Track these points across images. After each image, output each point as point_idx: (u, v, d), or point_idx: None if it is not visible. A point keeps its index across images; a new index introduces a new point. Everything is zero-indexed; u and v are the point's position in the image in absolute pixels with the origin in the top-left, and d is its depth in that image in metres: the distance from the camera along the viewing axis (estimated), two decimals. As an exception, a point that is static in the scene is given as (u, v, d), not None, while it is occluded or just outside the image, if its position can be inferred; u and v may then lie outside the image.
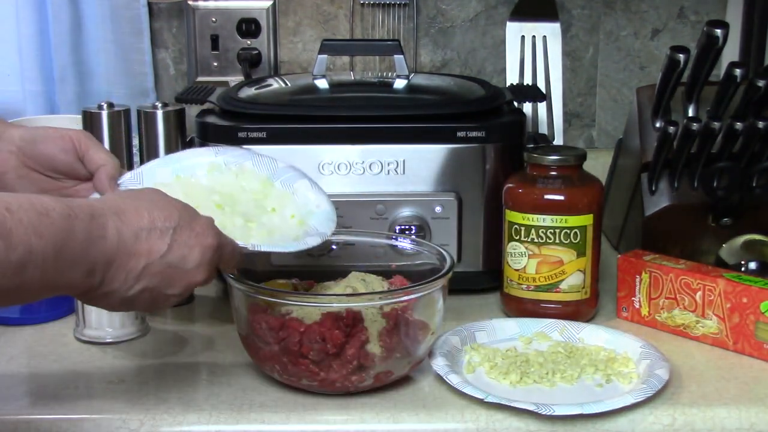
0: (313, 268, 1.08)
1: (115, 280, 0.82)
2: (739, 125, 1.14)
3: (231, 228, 0.97)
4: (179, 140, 1.25)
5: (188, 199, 0.92)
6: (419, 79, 1.39)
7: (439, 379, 0.96)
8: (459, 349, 1.03)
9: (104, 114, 1.23)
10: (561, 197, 1.10)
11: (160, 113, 1.23)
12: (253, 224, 1.00)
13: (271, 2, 1.53)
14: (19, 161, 0.98)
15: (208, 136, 1.18)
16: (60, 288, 0.79)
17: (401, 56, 1.31)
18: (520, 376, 0.97)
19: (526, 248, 1.11)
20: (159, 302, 0.87)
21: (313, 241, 1.00)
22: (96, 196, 0.97)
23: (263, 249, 0.96)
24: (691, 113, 1.23)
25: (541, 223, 1.10)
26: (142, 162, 1.23)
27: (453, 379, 0.94)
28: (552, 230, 1.10)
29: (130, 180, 1.01)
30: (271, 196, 1.04)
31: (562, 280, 1.11)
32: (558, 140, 1.47)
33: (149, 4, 1.53)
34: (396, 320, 0.93)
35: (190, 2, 1.52)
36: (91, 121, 1.23)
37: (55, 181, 1.00)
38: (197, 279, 0.86)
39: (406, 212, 1.17)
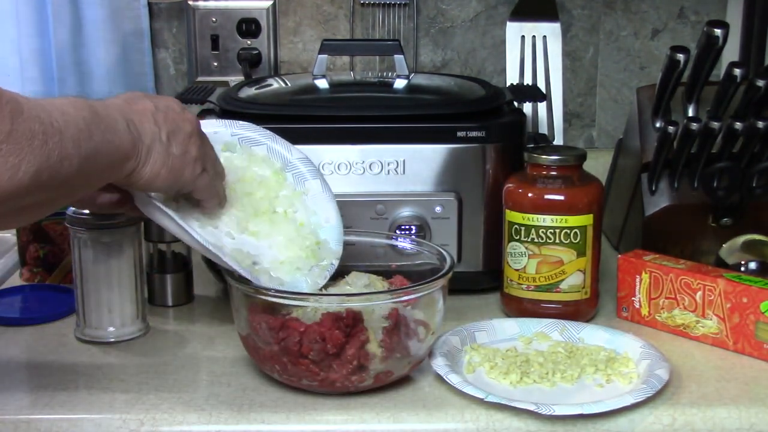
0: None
1: (145, 128, 0.88)
2: (739, 125, 1.14)
3: (238, 210, 1.00)
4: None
5: None
6: (419, 79, 1.39)
7: (439, 379, 0.96)
8: (459, 349, 1.03)
9: (104, 114, 1.23)
10: (561, 197, 1.10)
11: None
12: (264, 217, 1.02)
13: (271, 2, 1.53)
14: None
15: (209, 136, 1.18)
16: (121, 147, 0.84)
17: (401, 56, 1.31)
18: (520, 376, 0.97)
19: (526, 248, 1.11)
20: (189, 153, 0.92)
21: (321, 279, 1.01)
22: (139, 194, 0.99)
23: (272, 284, 0.98)
24: (691, 113, 1.23)
25: (541, 223, 1.10)
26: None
27: (453, 379, 0.94)
28: (552, 230, 1.10)
29: None
30: (282, 191, 1.05)
31: (562, 280, 1.11)
32: (558, 140, 1.47)
33: (149, 4, 1.53)
34: (396, 320, 0.93)
35: (190, 2, 1.52)
36: (91, 121, 1.23)
37: None
38: (190, 117, 0.94)
39: (406, 212, 1.17)
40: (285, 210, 1.04)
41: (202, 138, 0.95)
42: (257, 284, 0.95)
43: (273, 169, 1.05)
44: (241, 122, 1.07)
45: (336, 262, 1.03)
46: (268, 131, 1.07)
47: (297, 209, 1.04)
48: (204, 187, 0.96)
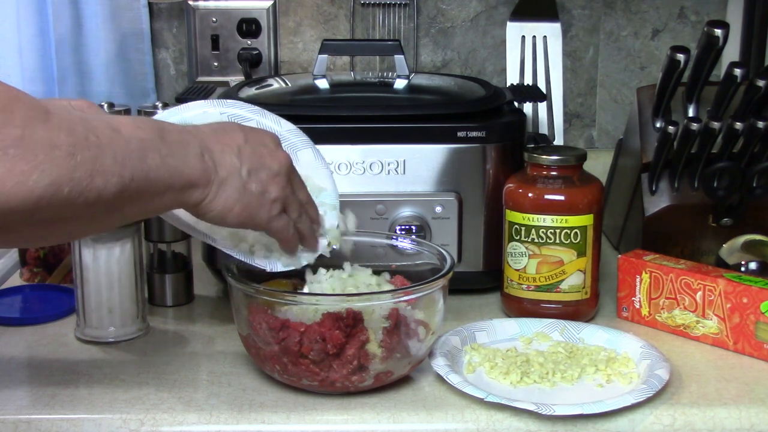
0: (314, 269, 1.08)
1: (225, 160, 0.86)
2: (739, 125, 1.14)
3: None
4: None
5: None
6: (419, 79, 1.39)
7: (440, 379, 0.96)
8: (459, 349, 1.03)
9: (104, 114, 1.23)
10: (561, 197, 1.10)
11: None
12: None
13: (272, 2, 1.53)
14: None
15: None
16: (185, 174, 0.82)
17: (401, 56, 1.31)
18: (520, 376, 0.97)
19: (527, 248, 1.11)
20: (269, 193, 0.90)
21: (321, 246, 1.01)
22: None
23: (278, 268, 0.98)
24: (691, 113, 1.23)
25: (542, 223, 1.10)
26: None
27: (453, 379, 0.94)
28: (552, 230, 1.10)
29: None
30: None
31: (563, 280, 1.11)
32: (558, 140, 1.47)
33: (149, 4, 1.53)
34: (396, 320, 0.93)
35: (190, 2, 1.52)
36: (91, 121, 1.23)
37: None
38: (281, 156, 0.92)
39: (406, 212, 1.17)
40: None
41: (291, 179, 0.93)
42: (254, 265, 0.96)
43: None
44: (229, 100, 1.07)
45: (336, 232, 1.03)
46: (256, 107, 1.07)
47: None
48: (279, 230, 0.93)
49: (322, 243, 1.01)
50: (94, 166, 0.74)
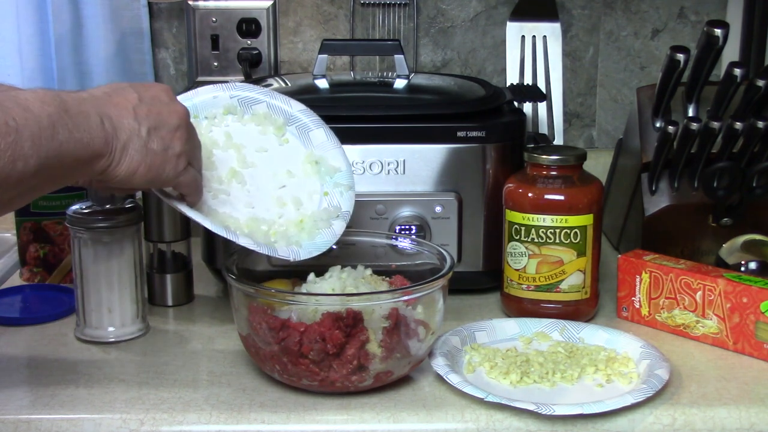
0: (314, 268, 1.08)
1: (123, 124, 0.85)
2: (739, 125, 1.14)
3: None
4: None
5: (203, 154, 0.98)
6: (419, 79, 1.39)
7: (439, 379, 0.96)
8: (459, 349, 1.03)
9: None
10: (561, 197, 1.10)
11: None
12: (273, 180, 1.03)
13: (272, 2, 1.53)
14: None
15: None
16: (90, 146, 0.81)
17: (401, 56, 1.31)
18: (520, 375, 0.97)
19: (527, 248, 1.11)
20: (172, 148, 0.89)
21: (339, 228, 1.02)
22: None
23: (301, 256, 0.99)
24: (691, 113, 1.24)
25: (542, 223, 1.10)
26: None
27: (453, 379, 0.94)
28: (552, 230, 1.10)
29: None
30: (287, 146, 1.06)
31: (562, 280, 1.11)
32: (558, 140, 1.47)
33: (149, 4, 1.53)
34: (396, 320, 0.93)
35: (190, 2, 1.52)
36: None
37: None
38: (178, 109, 0.91)
39: (406, 212, 1.17)
40: (289, 170, 1.05)
41: (190, 131, 0.92)
42: (276, 257, 0.97)
43: (276, 125, 1.06)
44: (238, 84, 1.08)
45: (351, 209, 1.04)
46: (265, 89, 1.08)
47: (305, 168, 1.06)
48: (188, 183, 0.93)
49: (340, 226, 1.01)
50: (15, 151, 0.74)
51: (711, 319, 1.07)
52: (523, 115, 1.24)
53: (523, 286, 1.12)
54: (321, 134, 1.07)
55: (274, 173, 1.05)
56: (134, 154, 0.86)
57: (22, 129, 0.75)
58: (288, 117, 1.07)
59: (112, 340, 1.08)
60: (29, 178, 0.77)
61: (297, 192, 1.04)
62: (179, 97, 1.05)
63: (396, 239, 1.10)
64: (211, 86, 1.07)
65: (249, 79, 1.42)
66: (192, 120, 1.03)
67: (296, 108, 1.07)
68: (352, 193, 1.05)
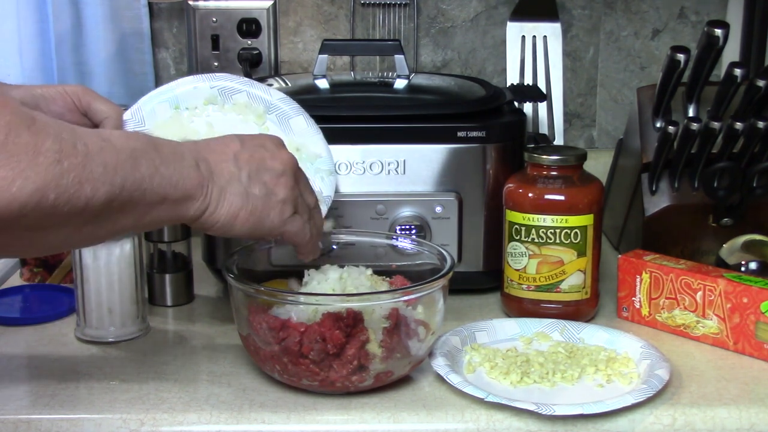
0: (313, 268, 1.08)
1: (222, 168, 0.84)
2: (739, 125, 1.14)
3: None
4: (179, 140, 1.25)
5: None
6: (420, 79, 1.39)
7: (440, 379, 0.96)
8: (459, 349, 1.03)
9: (104, 114, 1.23)
10: (561, 197, 1.10)
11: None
12: None
13: (272, 2, 1.53)
14: None
15: (209, 136, 1.18)
16: (180, 184, 0.80)
17: (402, 56, 1.31)
18: (520, 376, 0.97)
19: (527, 248, 1.11)
20: (275, 194, 0.87)
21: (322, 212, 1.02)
22: None
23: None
24: (691, 113, 1.23)
25: (542, 223, 1.10)
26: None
27: (453, 379, 0.94)
28: (552, 230, 1.10)
29: (132, 121, 1.04)
30: (266, 132, 1.06)
31: (563, 280, 1.11)
32: (558, 140, 1.47)
33: (149, 4, 1.53)
34: (396, 320, 0.93)
35: (190, 2, 1.52)
36: (91, 121, 1.23)
37: None
38: (284, 156, 0.89)
39: (406, 212, 1.17)
40: None
41: (298, 179, 0.90)
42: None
43: (256, 114, 1.07)
44: (218, 74, 1.09)
45: (332, 193, 1.05)
46: (245, 78, 1.08)
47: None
48: (295, 232, 0.90)
49: (327, 225, 1.02)
50: (83, 173, 0.72)
51: (711, 320, 1.07)
52: (524, 115, 1.24)
53: (524, 286, 1.12)
54: (301, 121, 1.07)
55: None
56: (233, 199, 0.84)
57: (95, 155, 0.73)
58: (268, 105, 1.07)
59: (112, 340, 1.08)
60: (100, 206, 0.74)
61: None
62: (158, 90, 1.05)
63: (396, 239, 1.10)
64: (191, 77, 1.08)
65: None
66: (173, 111, 1.03)
67: (276, 96, 1.08)
68: (333, 179, 1.06)
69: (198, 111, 1.06)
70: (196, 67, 1.54)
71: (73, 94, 0.99)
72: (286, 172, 0.88)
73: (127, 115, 1.03)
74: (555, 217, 1.10)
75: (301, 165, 1.03)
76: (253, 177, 0.86)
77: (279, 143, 0.91)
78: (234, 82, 1.08)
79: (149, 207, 0.79)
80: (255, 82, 1.08)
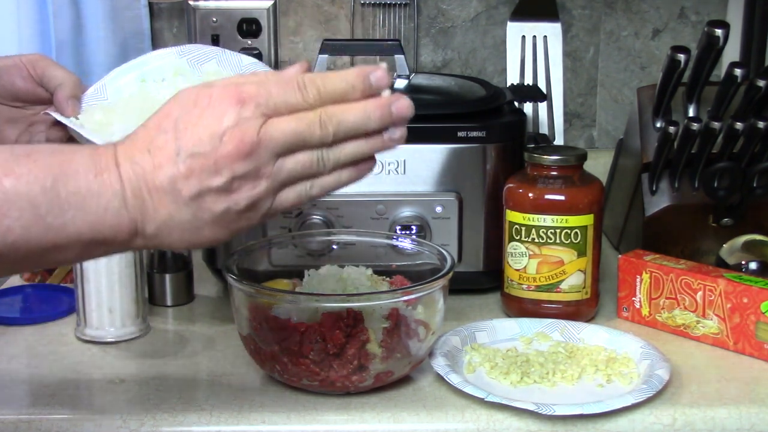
0: (313, 268, 1.08)
1: (157, 203, 0.68)
2: (739, 125, 1.14)
3: None
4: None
5: (143, 113, 0.92)
6: (420, 79, 1.39)
7: (440, 379, 0.96)
8: (459, 349, 1.03)
9: (105, 114, 1.23)
10: (561, 197, 1.10)
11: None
12: None
13: (272, 2, 1.53)
14: None
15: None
16: (102, 229, 0.68)
17: (402, 56, 1.31)
18: (520, 376, 0.97)
19: (527, 248, 1.11)
20: (235, 205, 0.69)
21: None
22: (60, 116, 0.95)
23: None
24: (691, 113, 1.23)
25: (542, 223, 1.10)
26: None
27: (453, 379, 0.94)
28: (552, 230, 1.10)
29: (93, 94, 0.99)
30: None
31: (563, 280, 1.11)
32: (558, 140, 1.47)
33: (150, 4, 1.53)
34: (396, 320, 0.93)
35: (190, 2, 1.52)
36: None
37: (20, 110, 0.98)
38: (236, 135, 0.68)
39: (406, 212, 1.17)
40: None
41: (260, 169, 0.69)
42: None
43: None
44: (188, 45, 1.06)
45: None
46: (217, 47, 1.06)
47: None
48: (287, 208, 0.72)
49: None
50: None
51: (711, 320, 1.07)
52: (524, 115, 1.24)
53: (524, 286, 1.12)
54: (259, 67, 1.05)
55: None
56: (181, 234, 0.70)
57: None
58: (239, 70, 1.04)
59: (112, 340, 1.08)
60: (16, 257, 0.67)
61: None
62: (125, 64, 1.01)
63: (396, 239, 1.10)
64: (160, 50, 1.05)
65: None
66: (139, 84, 0.99)
67: (246, 61, 1.05)
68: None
69: (166, 83, 1.02)
70: (196, 67, 1.54)
71: (28, 63, 0.97)
72: (254, 168, 0.68)
73: (90, 90, 0.99)
74: (555, 217, 1.09)
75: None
76: (202, 194, 0.69)
77: (251, 115, 0.68)
78: (204, 50, 1.04)
79: (74, 250, 0.69)
80: (226, 50, 1.05)
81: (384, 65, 0.71)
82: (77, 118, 0.95)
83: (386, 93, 0.72)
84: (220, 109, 0.68)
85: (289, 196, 0.72)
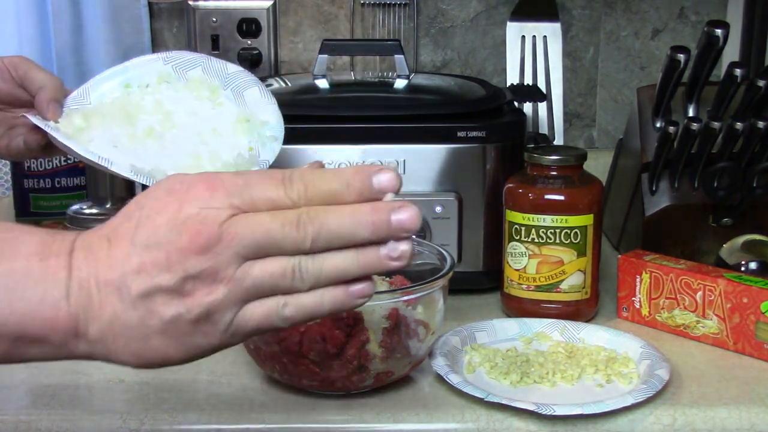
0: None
1: (103, 301, 0.59)
2: (739, 125, 1.14)
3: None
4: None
5: (125, 119, 0.91)
6: (419, 79, 1.39)
7: (440, 379, 0.96)
8: (459, 349, 1.03)
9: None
10: (561, 197, 1.10)
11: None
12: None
13: (272, 2, 1.54)
14: None
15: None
16: (34, 323, 0.58)
17: (401, 56, 1.31)
18: (520, 376, 0.97)
19: (527, 248, 1.11)
20: (199, 304, 0.59)
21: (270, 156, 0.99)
22: (37, 120, 0.94)
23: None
24: (691, 113, 1.23)
25: (542, 223, 1.10)
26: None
27: (453, 379, 0.94)
28: (552, 230, 1.10)
29: (76, 98, 0.99)
30: (220, 109, 1.03)
31: (563, 280, 1.11)
32: (558, 140, 1.47)
33: (150, 5, 1.53)
34: (396, 320, 0.93)
35: (190, 2, 1.52)
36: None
37: (0, 112, 0.98)
38: (204, 238, 0.57)
39: (406, 212, 1.16)
40: (214, 127, 1.01)
41: (219, 271, 0.58)
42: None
43: (210, 89, 1.04)
44: (174, 51, 1.06)
45: (271, 159, 1.00)
46: (203, 54, 1.06)
47: (231, 117, 1.02)
48: (239, 333, 0.61)
49: (388, 196, 0.99)
50: None
51: (711, 320, 1.07)
52: (524, 115, 1.24)
53: (524, 286, 1.12)
54: (255, 92, 1.04)
55: (199, 133, 1.01)
56: (130, 345, 0.59)
57: None
58: (223, 79, 1.05)
59: (112, 340, 1.08)
60: None
61: (217, 147, 0.99)
62: (111, 69, 1.00)
63: (396, 239, 1.10)
64: (146, 56, 1.05)
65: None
66: (123, 89, 0.98)
67: (232, 69, 1.05)
68: (277, 145, 1.01)
69: (150, 89, 1.03)
70: (196, 67, 1.54)
71: (9, 65, 0.97)
72: (195, 261, 0.58)
73: (73, 94, 0.99)
74: (555, 217, 1.10)
75: (248, 136, 1.00)
76: (146, 299, 0.58)
77: (208, 213, 0.58)
78: (190, 56, 1.05)
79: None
80: (212, 57, 1.06)
81: (393, 166, 0.64)
82: (57, 122, 0.95)
83: (389, 197, 0.61)
84: (187, 197, 0.58)
85: (255, 312, 0.60)
